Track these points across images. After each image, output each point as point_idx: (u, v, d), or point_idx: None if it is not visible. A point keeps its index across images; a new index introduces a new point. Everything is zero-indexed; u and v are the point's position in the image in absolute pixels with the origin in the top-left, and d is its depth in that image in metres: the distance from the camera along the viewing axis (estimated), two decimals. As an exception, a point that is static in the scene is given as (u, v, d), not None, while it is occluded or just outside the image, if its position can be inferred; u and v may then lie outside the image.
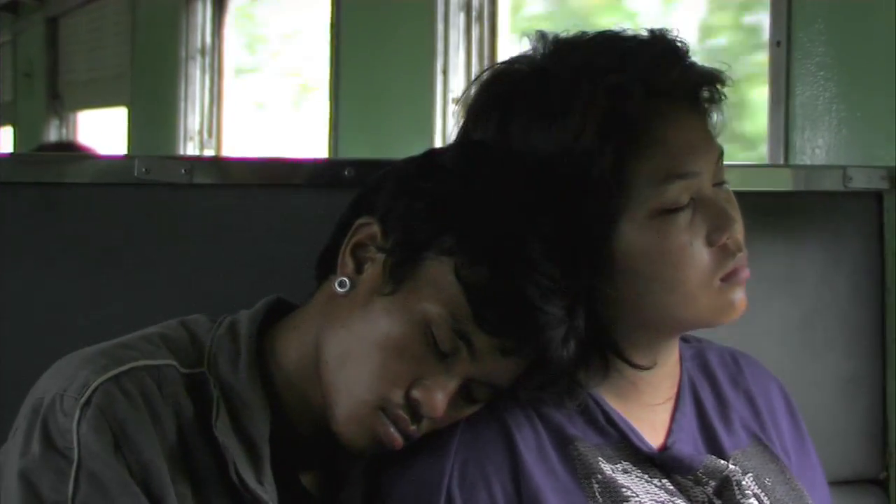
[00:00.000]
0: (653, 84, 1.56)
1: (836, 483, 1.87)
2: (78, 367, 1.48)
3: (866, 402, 2.24)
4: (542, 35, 1.64)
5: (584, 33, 1.63)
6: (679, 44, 1.60)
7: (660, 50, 1.59)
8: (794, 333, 2.19)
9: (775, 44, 2.67)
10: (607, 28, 1.64)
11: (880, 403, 2.24)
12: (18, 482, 1.42)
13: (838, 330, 2.22)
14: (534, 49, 1.64)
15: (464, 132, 1.66)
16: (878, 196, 2.25)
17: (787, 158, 2.63)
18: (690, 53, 1.60)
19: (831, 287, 2.21)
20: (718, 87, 1.62)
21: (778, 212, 2.17)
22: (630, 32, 1.62)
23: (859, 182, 2.23)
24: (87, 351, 1.52)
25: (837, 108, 2.54)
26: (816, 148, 2.58)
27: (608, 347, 1.60)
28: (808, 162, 2.58)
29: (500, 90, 1.64)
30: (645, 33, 1.61)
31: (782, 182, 2.23)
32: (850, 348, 2.23)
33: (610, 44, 1.61)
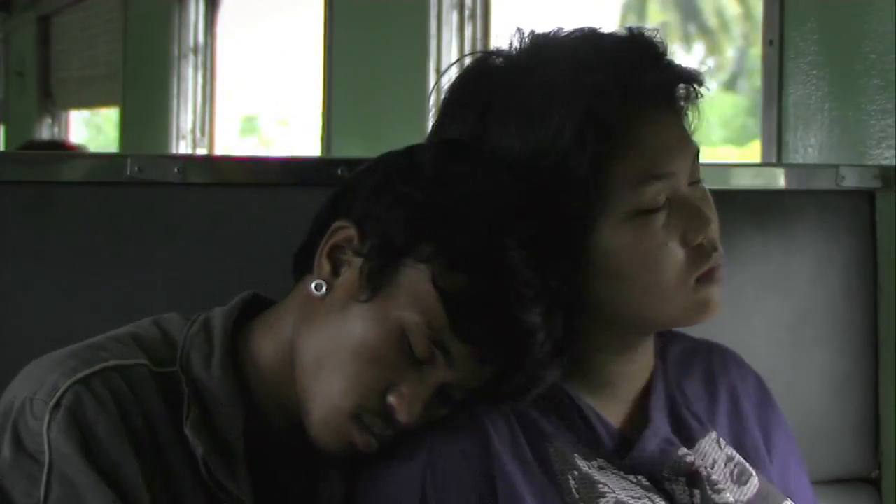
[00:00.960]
0: (631, 85, 1.55)
1: (829, 482, 1.87)
2: (48, 370, 1.48)
3: (859, 400, 2.24)
4: (519, 30, 1.64)
5: (560, 29, 1.63)
6: (657, 43, 1.60)
7: (638, 49, 1.59)
8: (787, 332, 2.19)
9: (768, 42, 2.67)
10: (583, 25, 1.63)
11: (872, 402, 2.25)
12: None
13: (831, 328, 2.22)
14: (511, 44, 1.63)
15: (439, 127, 1.65)
16: (870, 195, 2.25)
17: (779, 157, 2.63)
18: (668, 52, 1.60)
19: (824, 286, 2.21)
20: (695, 86, 1.62)
21: (771, 210, 2.17)
22: (607, 30, 1.61)
23: (852, 181, 2.23)
24: (57, 353, 1.51)
25: (830, 106, 2.54)
26: (809, 147, 2.58)
27: (584, 345, 1.60)
28: (801, 161, 2.58)
29: (478, 86, 1.63)
30: (623, 31, 1.61)
31: (775, 181, 2.23)
32: (843, 347, 2.23)
33: (587, 42, 1.60)
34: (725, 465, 1.67)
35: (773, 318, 2.17)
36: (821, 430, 2.15)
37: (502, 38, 1.64)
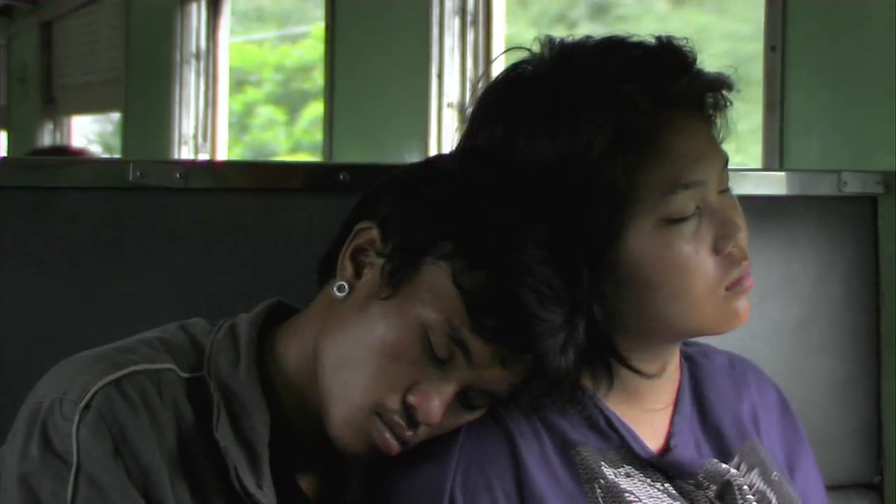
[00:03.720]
0: (660, 93, 1.55)
1: (831, 487, 1.87)
2: (77, 370, 1.48)
3: (861, 405, 2.24)
4: (549, 40, 1.64)
5: (589, 38, 1.63)
6: (686, 51, 1.59)
7: (667, 58, 1.58)
8: (789, 337, 2.19)
9: (770, 48, 2.68)
10: (612, 34, 1.63)
11: (875, 407, 2.25)
12: (18, 486, 1.42)
13: (833, 334, 2.22)
14: (540, 54, 1.63)
15: (467, 136, 1.66)
16: (872, 201, 2.25)
17: (782, 163, 2.64)
18: (697, 60, 1.60)
19: (826, 291, 2.21)
20: (724, 92, 1.61)
21: (773, 216, 2.17)
22: (636, 39, 1.61)
23: (854, 187, 2.23)
24: (86, 354, 1.52)
25: (832, 112, 2.54)
26: (811, 152, 2.58)
27: (612, 356, 1.60)
28: (803, 166, 2.58)
29: (506, 96, 1.63)
30: (651, 40, 1.61)
31: (777, 186, 2.23)
32: (845, 352, 2.23)
33: (617, 51, 1.60)
34: (757, 477, 1.67)
35: (776, 323, 2.17)
36: (823, 435, 2.15)
37: (532, 44, 1.64)
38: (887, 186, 2.24)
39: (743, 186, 2.15)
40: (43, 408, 1.45)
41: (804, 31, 2.60)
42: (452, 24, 4.15)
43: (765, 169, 2.63)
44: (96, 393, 1.44)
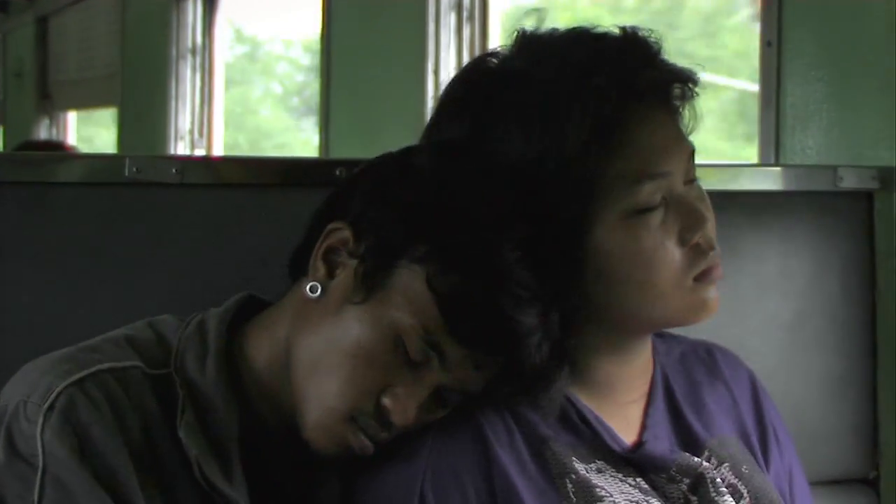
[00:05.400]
0: (627, 86, 1.55)
1: (826, 483, 1.87)
2: (42, 372, 1.47)
3: (857, 401, 2.24)
4: (522, 32, 1.63)
5: (554, 29, 1.63)
6: (651, 42, 1.60)
7: (632, 49, 1.59)
8: (785, 332, 2.19)
9: (766, 44, 2.67)
10: (577, 26, 1.62)
11: (871, 403, 2.25)
12: None
13: (829, 329, 2.22)
14: (508, 46, 1.63)
15: (433, 129, 1.65)
16: (868, 196, 2.25)
17: (777, 158, 2.63)
18: (662, 51, 1.60)
19: (822, 286, 2.21)
20: (690, 85, 1.61)
21: (769, 212, 2.17)
22: (600, 30, 1.61)
23: (850, 182, 2.23)
24: (50, 356, 1.51)
25: (828, 108, 2.54)
26: (807, 148, 2.58)
27: (577, 349, 1.59)
28: (799, 162, 2.58)
29: (474, 88, 1.63)
30: (616, 31, 1.61)
31: (773, 182, 2.23)
32: (841, 347, 2.23)
33: (583, 43, 1.60)
34: (728, 471, 1.67)
35: (772, 318, 2.17)
36: (819, 431, 2.15)
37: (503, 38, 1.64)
38: (883, 181, 2.24)
39: (739, 182, 2.15)
40: (8, 411, 1.44)
41: (800, 26, 2.60)
42: (448, 19, 4.14)
43: (761, 164, 2.63)
44: (60, 394, 1.44)
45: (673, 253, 1.57)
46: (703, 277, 1.59)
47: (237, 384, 1.54)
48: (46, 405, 1.43)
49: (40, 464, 1.41)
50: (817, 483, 1.84)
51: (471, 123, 1.59)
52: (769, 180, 2.23)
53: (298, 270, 1.59)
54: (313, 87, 5.44)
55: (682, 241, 1.57)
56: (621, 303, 1.58)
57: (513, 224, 1.48)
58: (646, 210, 1.56)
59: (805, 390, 2.17)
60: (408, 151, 1.61)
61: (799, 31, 2.60)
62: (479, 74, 1.64)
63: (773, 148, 2.64)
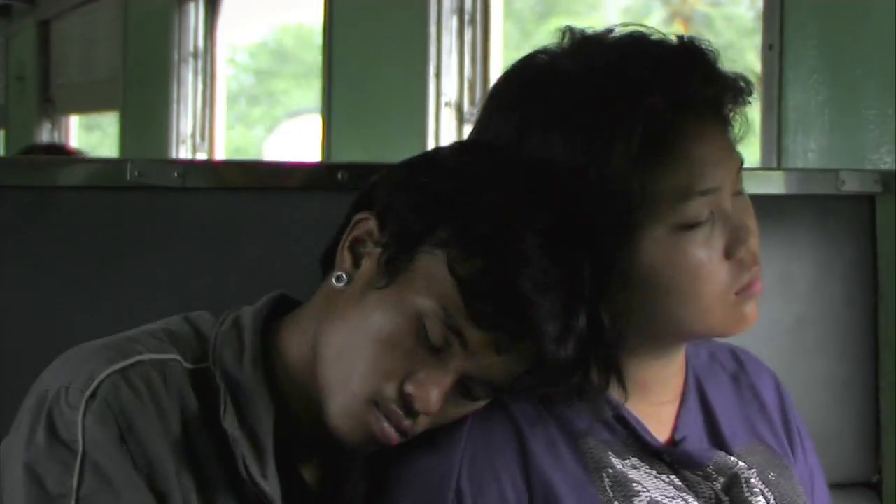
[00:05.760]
0: (682, 100, 1.53)
1: (830, 486, 1.87)
2: (83, 359, 1.48)
3: (859, 405, 2.24)
4: (569, 30, 1.61)
5: (609, 32, 1.60)
6: (707, 53, 1.58)
7: (689, 61, 1.56)
8: (788, 336, 2.19)
9: (768, 47, 2.67)
10: (634, 29, 1.60)
11: (873, 406, 2.25)
12: (24, 474, 1.42)
13: (831, 333, 2.22)
14: (558, 45, 1.61)
15: (479, 125, 1.64)
16: (870, 199, 2.25)
17: (779, 162, 2.64)
18: (719, 62, 1.59)
19: (824, 290, 2.21)
20: (743, 94, 1.60)
21: (771, 215, 2.17)
22: (657, 37, 1.59)
23: (852, 185, 2.23)
24: (91, 344, 1.52)
25: (830, 111, 2.54)
26: (809, 151, 2.58)
27: (615, 361, 1.59)
28: (801, 165, 2.58)
29: (521, 87, 1.61)
30: (673, 39, 1.59)
31: (775, 185, 2.23)
32: (843, 351, 2.23)
33: (638, 51, 1.57)
34: (755, 478, 1.67)
35: (774, 322, 2.17)
36: (822, 434, 2.15)
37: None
38: (885, 185, 2.24)
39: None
40: (49, 396, 1.45)
41: (802, 29, 2.60)
42: (450, 23, 4.15)
43: (763, 168, 2.62)
44: (102, 381, 1.45)
45: (719, 268, 1.56)
46: (744, 291, 1.58)
47: (271, 380, 1.55)
48: (89, 392, 1.44)
49: (80, 449, 1.42)
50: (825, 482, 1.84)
51: (515, 123, 1.57)
52: (771, 184, 2.23)
53: (328, 268, 1.60)
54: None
55: (728, 255, 1.57)
56: (664, 314, 1.58)
57: (534, 211, 1.49)
58: (694, 225, 1.55)
59: (807, 394, 2.16)
60: (433, 150, 1.64)
61: (801, 35, 2.60)
62: (530, 71, 1.62)
63: (775, 151, 2.64)
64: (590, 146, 1.52)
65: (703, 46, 1.58)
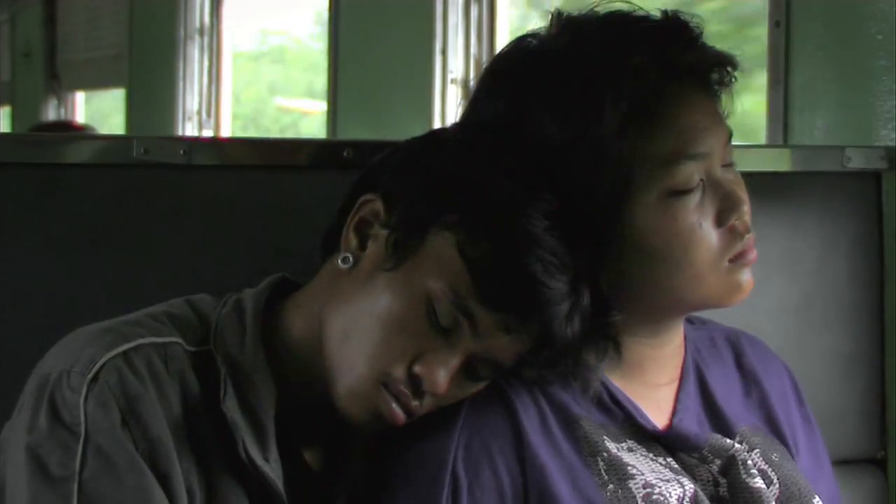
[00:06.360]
0: (668, 66, 1.55)
1: (835, 462, 1.87)
2: (84, 343, 1.49)
3: (865, 381, 2.24)
4: (557, 13, 1.63)
5: (593, 11, 1.63)
6: (692, 25, 1.60)
7: (674, 31, 1.59)
8: (793, 313, 2.19)
9: (774, 24, 2.67)
10: (617, 8, 1.62)
11: (879, 383, 2.25)
12: (26, 457, 1.43)
13: (837, 310, 2.22)
14: (546, 27, 1.63)
15: (471, 109, 1.65)
16: (876, 176, 2.25)
17: (785, 139, 2.63)
18: (703, 35, 1.60)
19: (830, 267, 2.21)
20: (729, 69, 1.61)
21: (777, 192, 2.17)
22: (641, 13, 1.61)
23: (858, 162, 2.23)
24: (92, 327, 1.53)
25: (836, 88, 2.54)
26: (815, 128, 2.58)
27: (612, 328, 1.60)
28: (807, 142, 2.58)
29: (512, 70, 1.63)
30: (657, 14, 1.61)
31: (781, 163, 2.23)
32: (849, 328, 2.23)
33: (623, 25, 1.60)
34: (759, 457, 1.68)
35: (779, 299, 2.17)
36: (827, 411, 2.15)
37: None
38: (891, 162, 2.24)
39: (747, 162, 2.14)
40: (51, 380, 1.46)
41: (808, 6, 2.60)
42: (456, 0, 4.14)
43: (769, 145, 2.62)
44: (104, 365, 1.46)
45: (710, 234, 1.58)
46: (737, 259, 1.59)
47: (273, 362, 1.55)
48: (90, 375, 1.45)
49: (83, 432, 1.43)
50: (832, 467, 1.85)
51: (507, 102, 1.59)
52: (777, 161, 2.23)
53: (330, 249, 1.60)
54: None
55: (719, 223, 1.58)
56: (657, 282, 1.59)
57: (542, 193, 1.50)
58: (685, 191, 1.56)
59: (813, 371, 2.17)
60: (436, 131, 1.65)
61: (807, 12, 2.59)
62: (519, 54, 1.64)
63: (781, 128, 2.64)
64: (581, 115, 1.53)
65: (687, 20, 1.59)
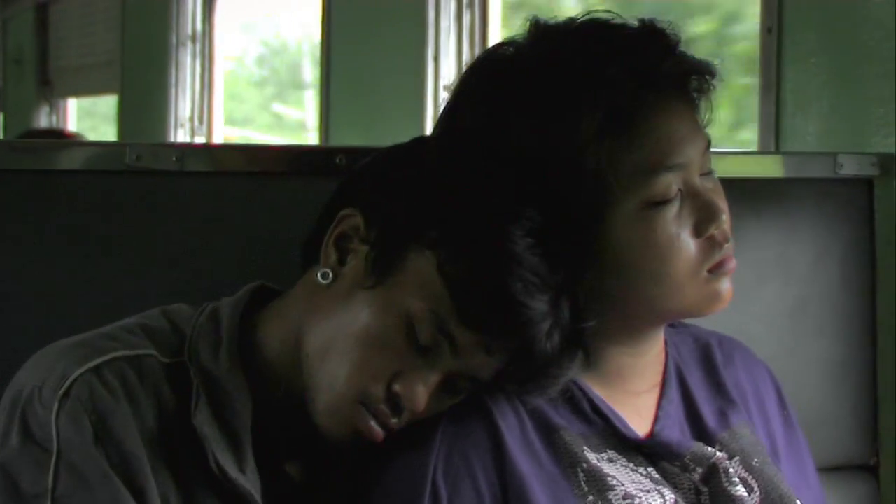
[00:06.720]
0: (645, 75, 1.55)
1: (827, 469, 1.88)
2: (56, 358, 1.48)
3: (857, 388, 2.24)
4: (530, 20, 1.63)
5: (571, 20, 1.62)
6: (670, 33, 1.59)
7: (651, 40, 1.58)
8: (785, 319, 2.19)
9: (766, 30, 2.67)
10: (595, 16, 1.62)
11: (871, 389, 2.25)
12: None
13: (829, 316, 2.22)
14: (524, 36, 1.63)
15: (447, 118, 1.65)
16: (868, 182, 2.25)
17: (777, 145, 2.63)
18: (681, 43, 1.60)
19: (822, 273, 2.21)
20: (707, 77, 1.61)
21: (769, 198, 2.17)
22: (618, 21, 1.61)
23: (850, 169, 2.23)
24: (65, 342, 1.51)
25: (828, 94, 2.54)
26: (807, 135, 2.58)
27: (590, 338, 1.59)
28: (799, 148, 2.58)
29: (488, 79, 1.62)
30: (634, 22, 1.60)
31: (773, 169, 2.23)
32: (841, 334, 2.23)
33: (600, 34, 1.59)
34: (738, 465, 1.67)
35: (772, 305, 2.17)
36: (819, 417, 2.15)
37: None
38: (883, 168, 2.24)
39: (739, 168, 2.15)
40: (22, 396, 1.44)
41: (800, 12, 2.60)
42: (448, 6, 4.14)
43: (760, 151, 2.62)
44: (75, 380, 1.44)
45: (688, 244, 1.57)
46: (717, 269, 1.59)
47: (250, 373, 1.54)
48: (62, 391, 1.43)
49: (55, 449, 1.41)
50: (817, 469, 1.84)
51: (485, 112, 1.59)
52: (769, 167, 2.23)
53: (310, 259, 1.59)
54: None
55: (698, 233, 1.58)
56: (636, 293, 1.58)
57: (523, 211, 1.49)
58: (663, 202, 1.56)
59: (805, 377, 2.17)
60: (416, 141, 1.62)
61: (799, 18, 2.59)
62: (495, 63, 1.64)
63: (773, 134, 2.64)
64: (558, 126, 1.53)
65: (665, 28, 1.59)
